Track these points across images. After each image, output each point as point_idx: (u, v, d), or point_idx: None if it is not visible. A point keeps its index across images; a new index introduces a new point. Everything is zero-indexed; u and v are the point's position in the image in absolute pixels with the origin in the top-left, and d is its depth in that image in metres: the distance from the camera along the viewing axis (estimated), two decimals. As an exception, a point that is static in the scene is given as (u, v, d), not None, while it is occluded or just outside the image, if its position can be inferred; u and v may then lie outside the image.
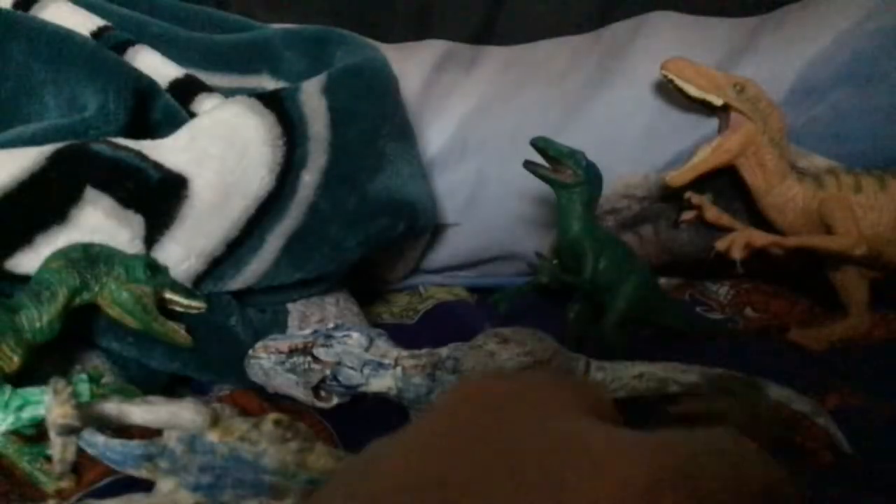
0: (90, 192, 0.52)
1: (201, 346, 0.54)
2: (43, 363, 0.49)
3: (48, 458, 0.43)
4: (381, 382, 0.50)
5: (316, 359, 0.51)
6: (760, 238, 0.64)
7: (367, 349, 0.51)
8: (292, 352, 0.51)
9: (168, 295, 0.53)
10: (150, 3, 0.74)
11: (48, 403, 0.33)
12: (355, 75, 0.64)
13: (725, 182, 0.71)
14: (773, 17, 0.73)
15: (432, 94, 0.77)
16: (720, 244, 0.64)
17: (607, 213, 0.75)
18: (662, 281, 0.75)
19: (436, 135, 0.76)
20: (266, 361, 0.52)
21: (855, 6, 0.71)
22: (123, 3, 0.72)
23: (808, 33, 0.72)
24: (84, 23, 0.65)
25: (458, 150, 0.77)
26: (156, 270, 0.52)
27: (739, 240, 0.63)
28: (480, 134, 0.76)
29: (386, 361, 0.50)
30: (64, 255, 0.49)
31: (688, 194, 0.71)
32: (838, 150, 0.70)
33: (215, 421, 0.40)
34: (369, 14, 0.78)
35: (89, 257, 0.50)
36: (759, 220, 0.69)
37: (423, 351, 0.51)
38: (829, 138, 0.70)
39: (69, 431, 0.33)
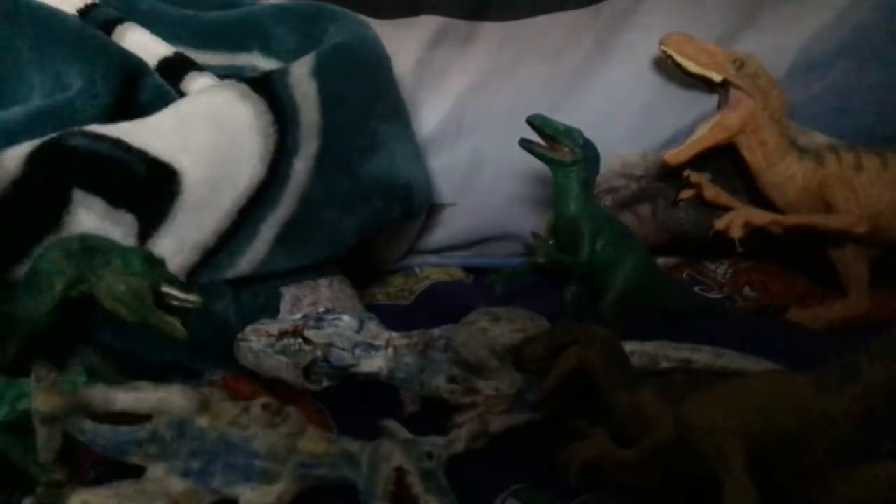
0: (78, 195, 0.51)
1: (193, 332, 0.53)
2: (39, 355, 0.48)
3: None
4: (373, 363, 0.50)
5: (307, 340, 0.50)
6: (760, 217, 0.63)
7: (357, 331, 0.51)
8: (282, 334, 0.51)
9: (165, 289, 0.52)
10: None
11: (32, 391, 0.33)
12: (346, 55, 0.63)
13: (725, 160, 0.70)
14: (774, -8, 0.72)
15: (427, 72, 0.75)
16: (719, 223, 0.63)
17: (605, 192, 0.74)
18: (660, 260, 0.74)
19: (431, 114, 0.75)
20: (256, 344, 0.51)
21: (856, -19, 0.70)
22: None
23: (809, 9, 0.71)
24: (70, 0, 0.64)
25: (454, 129, 0.76)
26: (153, 263, 0.51)
27: (738, 218, 0.63)
28: (476, 112, 0.75)
29: (377, 343, 0.50)
30: (62, 246, 0.48)
31: (686, 172, 0.70)
32: (839, 126, 0.69)
33: (205, 405, 0.40)
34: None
35: (87, 249, 0.49)
36: (759, 198, 0.68)
37: (415, 332, 0.51)
38: (830, 115, 0.69)
39: (53, 419, 0.33)
